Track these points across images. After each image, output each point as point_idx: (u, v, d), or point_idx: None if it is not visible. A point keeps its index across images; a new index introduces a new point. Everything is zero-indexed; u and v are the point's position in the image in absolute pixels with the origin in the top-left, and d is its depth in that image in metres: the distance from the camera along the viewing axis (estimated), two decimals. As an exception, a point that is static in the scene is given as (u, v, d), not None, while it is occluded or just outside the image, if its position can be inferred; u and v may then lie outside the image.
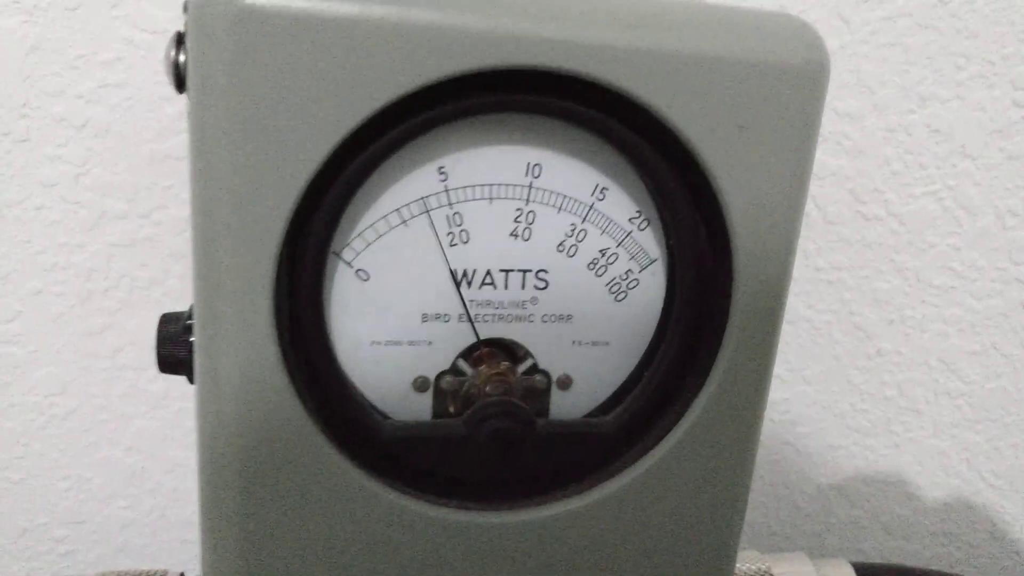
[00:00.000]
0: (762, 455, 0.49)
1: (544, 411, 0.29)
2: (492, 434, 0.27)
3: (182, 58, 0.27)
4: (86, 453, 0.46)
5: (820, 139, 0.43)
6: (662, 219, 0.28)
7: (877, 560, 0.52)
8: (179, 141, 0.41)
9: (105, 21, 0.40)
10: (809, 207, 0.45)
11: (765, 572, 0.36)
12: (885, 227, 0.45)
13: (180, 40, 0.28)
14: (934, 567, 0.52)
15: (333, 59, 0.22)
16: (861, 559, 0.52)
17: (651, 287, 0.29)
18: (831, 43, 0.42)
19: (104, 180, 0.42)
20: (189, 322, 0.30)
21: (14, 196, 0.42)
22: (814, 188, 0.44)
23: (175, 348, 0.30)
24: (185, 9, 0.28)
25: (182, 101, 0.27)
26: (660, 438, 0.28)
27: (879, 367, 0.48)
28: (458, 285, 0.27)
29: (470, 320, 0.27)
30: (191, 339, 0.29)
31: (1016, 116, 0.44)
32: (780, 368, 0.47)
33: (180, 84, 0.28)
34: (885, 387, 0.48)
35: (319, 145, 0.23)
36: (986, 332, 0.47)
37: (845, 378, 0.48)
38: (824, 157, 0.44)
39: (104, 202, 0.42)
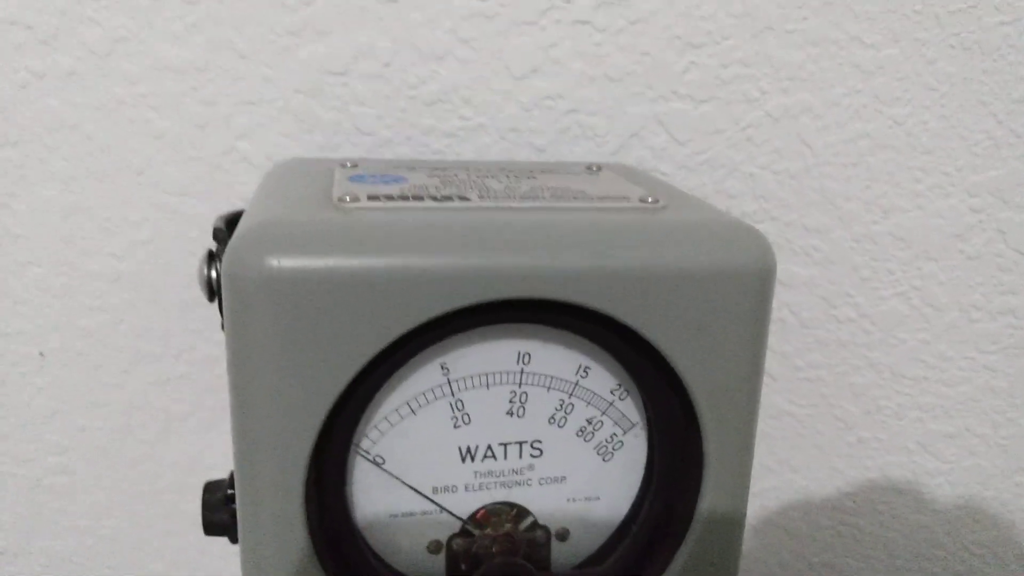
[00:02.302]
0: (756, 538, 0.53)
1: (546, 561, 0.33)
2: (500, 593, 0.31)
3: (213, 274, 0.31)
4: (133, 568, 0.50)
5: (791, 252, 0.47)
6: (639, 390, 0.31)
7: (870, 630, 0.55)
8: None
9: (132, 186, 0.44)
10: (785, 313, 0.48)
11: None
12: (858, 327, 0.49)
13: (211, 257, 0.32)
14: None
15: (352, 303, 0.26)
16: (856, 628, 0.55)
17: (634, 447, 0.32)
18: (796, 166, 0.46)
19: (138, 327, 0.46)
20: (230, 491, 0.34)
21: (58, 344, 0.46)
22: (789, 296, 0.48)
23: (218, 514, 0.34)
24: (215, 236, 0.32)
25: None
26: (650, 583, 0.32)
27: (860, 453, 0.51)
28: (463, 460, 0.31)
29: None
30: (232, 506, 0.33)
31: (973, 220, 0.47)
32: (768, 459, 0.51)
33: (212, 295, 0.32)
34: (867, 471, 0.51)
35: (343, 373, 0.26)
36: (959, 416, 0.51)
37: (829, 465, 0.51)
38: (796, 268, 0.47)
39: (139, 345, 0.46)
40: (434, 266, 0.26)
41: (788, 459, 0.51)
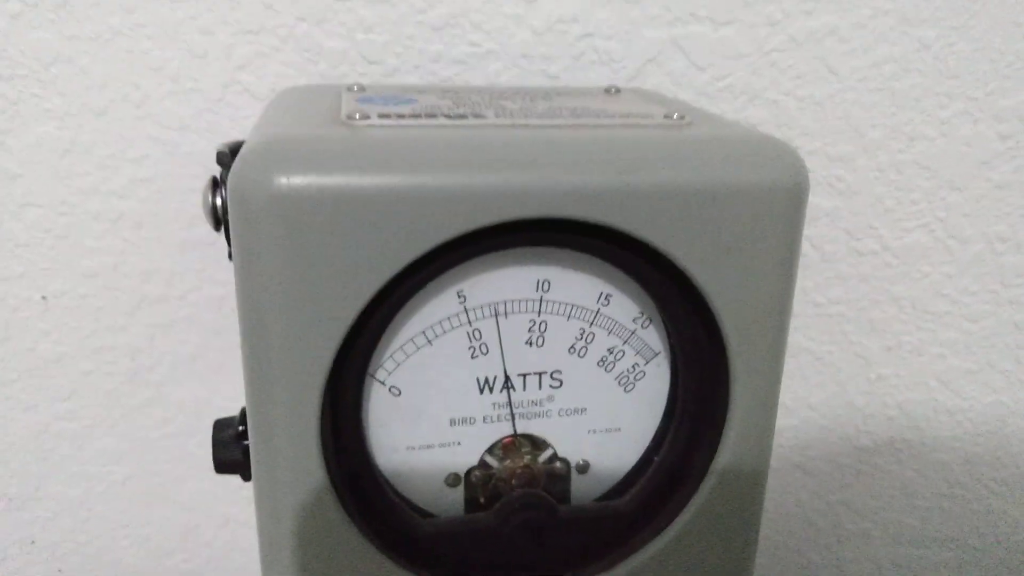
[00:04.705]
0: (774, 477, 0.52)
1: (566, 494, 0.32)
2: (520, 525, 0.30)
3: (218, 201, 0.30)
4: (144, 514, 0.50)
5: (814, 183, 0.45)
6: (662, 317, 0.30)
7: (888, 566, 0.55)
8: (207, 229, 0.44)
9: (131, 122, 0.42)
10: (806, 247, 0.47)
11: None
12: (880, 260, 0.47)
13: (216, 184, 0.30)
14: (944, 571, 0.55)
15: (364, 224, 0.24)
16: (872, 567, 0.55)
17: (657, 377, 0.31)
18: (820, 92, 0.44)
19: (142, 268, 0.45)
20: (240, 428, 0.33)
21: (60, 287, 0.45)
22: (810, 229, 0.46)
23: (229, 452, 0.33)
24: (219, 161, 0.31)
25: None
26: (674, 515, 0.31)
27: (880, 390, 0.50)
28: (481, 391, 0.30)
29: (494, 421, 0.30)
30: (244, 443, 0.32)
31: (1001, 148, 0.46)
32: (786, 397, 0.50)
33: (217, 223, 0.31)
34: (887, 408, 0.51)
35: (356, 298, 0.25)
36: (981, 351, 0.50)
37: (848, 402, 0.50)
38: (818, 200, 0.46)
39: (143, 287, 0.45)
40: (449, 185, 0.25)
41: (806, 397, 0.50)
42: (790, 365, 0.49)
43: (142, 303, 0.45)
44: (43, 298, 0.45)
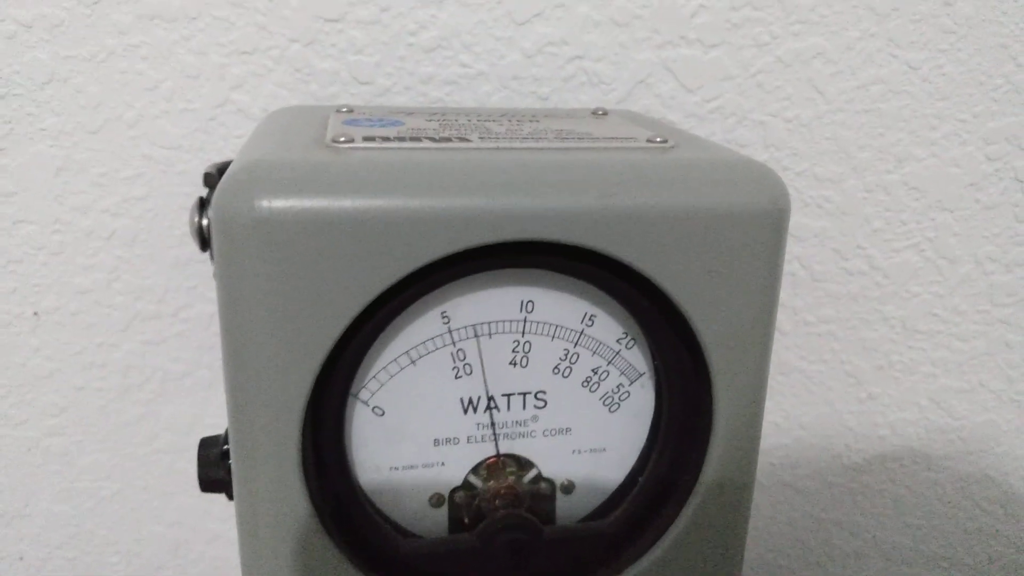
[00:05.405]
0: (765, 495, 0.52)
1: (550, 514, 0.32)
2: (504, 546, 0.30)
3: (204, 222, 0.30)
4: (133, 530, 0.50)
5: (803, 203, 0.46)
6: (646, 338, 0.30)
7: (880, 587, 0.55)
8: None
9: (124, 140, 0.43)
10: (795, 267, 0.47)
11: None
12: (869, 280, 0.47)
13: (202, 205, 0.31)
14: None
15: (346, 246, 0.25)
16: (865, 586, 0.55)
17: (641, 397, 0.31)
18: (808, 113, 0.44)
19: (134, 285, 0.45)
20: (225, 447, 0.33)
21: (52, 303, 0.45)
22: (800, 249, 0.46)
23: (214, 471, 0.33)
24: (206, 182, 0.31)
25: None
26: (659, 535, 0.31)
27: (871, 410, 0.50)
28: (465, 411, 0.30)
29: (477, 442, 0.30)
30: (228, 462, 0.32)
31: (990, 169, 0.46)
32: (777, 416, 0.50)
33: (204, 244, 0.31)
34: (878, 428, 0.51)
35: (339, 319, 0.25)
36: (973, 371, 0.50)
37: (839, 422, 0.50)
38: (807, 220, 0.46)
39: (135, 304, 0.45)
40: (432, 207, 0.25)
41: (797, 416, 0.50)
42: (781, 384, 0.49)
43: (134, 320, 0.46)
44: (35, 314, 0.45)
